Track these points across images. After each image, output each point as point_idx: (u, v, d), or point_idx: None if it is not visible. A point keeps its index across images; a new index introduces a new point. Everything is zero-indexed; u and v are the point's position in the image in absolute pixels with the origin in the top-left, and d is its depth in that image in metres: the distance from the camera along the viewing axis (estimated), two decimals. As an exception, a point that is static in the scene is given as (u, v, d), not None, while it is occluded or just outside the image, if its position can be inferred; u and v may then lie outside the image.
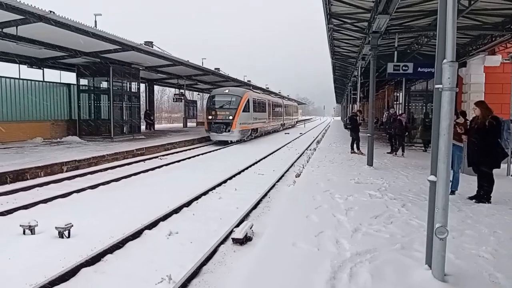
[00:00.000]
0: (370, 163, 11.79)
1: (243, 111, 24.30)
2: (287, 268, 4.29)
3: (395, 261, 4.45)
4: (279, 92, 60.19)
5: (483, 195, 7.29)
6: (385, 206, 7.00)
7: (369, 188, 8.53)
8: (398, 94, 24.41)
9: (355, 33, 15.06)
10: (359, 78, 23.67)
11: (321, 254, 4.68)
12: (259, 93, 32.77)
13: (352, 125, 15.85)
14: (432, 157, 3.89)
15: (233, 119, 23.52)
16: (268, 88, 50.63)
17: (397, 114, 15.76)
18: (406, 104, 20.75)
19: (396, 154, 14.82)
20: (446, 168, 3.69)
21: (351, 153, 15.31)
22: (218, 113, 23.90)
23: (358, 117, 16.35)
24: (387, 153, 15.25)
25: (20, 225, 6.36)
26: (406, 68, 13.97)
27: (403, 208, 6.83)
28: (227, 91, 25.42)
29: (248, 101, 25.12)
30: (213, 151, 19.91)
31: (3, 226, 6.79)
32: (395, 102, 24.96)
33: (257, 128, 28.38)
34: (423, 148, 16.75)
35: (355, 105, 30.82)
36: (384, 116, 19.46)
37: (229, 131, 23.38)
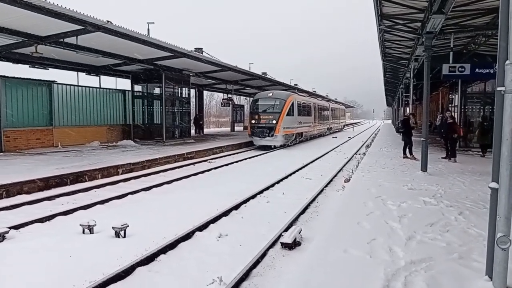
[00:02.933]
0: (424, 168, 11.36)
1: (287, 115, 23.74)
2: (338, 275, 4.23)
3: (452, 271, 4.29)
4: (327, 95, 59.56)
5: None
6: (440, 213, 6.74)
7: (423, 195, 8.22)
8: (453, 96, 23.34)
9: (407, 34, 14.65)
10: (412, 80, 22.90)
11: (374, 261, 4.58)
12: (304, 96, 32.21)
13: (405, 128, 15.32)
14: (494, 163, 3.71)
15: (276, 123, 23.00)
16: (315, 91, 50.18)
17: (445, 116, 14.97)
18: (462, 107, 19.78)
19: (451, 159, 14.16)
20: (509, 174, 3.50)
21: (404, 158, 14.82)
22: (261, 117, 23.52)
23: (411, 120, 15.77)
24: (442, 158, 14.61)
25: (80, 225, 6.73)
26: (463, 69, 13.41)
27: (460, 216, 6.54)
28: (270, 94, 24.90)
29: (292, 104, 24.55)
30: (260, 155, 20.04)
31: (64, 225, 7.24)
32: (449, 105, 23.87)
33: (302, 133, 27.85)
34: (480, 153, 15.87)
35: (407, 108, 29.87)
36: (438, 119, 18.67)
37: (272, 135, 22.91)
